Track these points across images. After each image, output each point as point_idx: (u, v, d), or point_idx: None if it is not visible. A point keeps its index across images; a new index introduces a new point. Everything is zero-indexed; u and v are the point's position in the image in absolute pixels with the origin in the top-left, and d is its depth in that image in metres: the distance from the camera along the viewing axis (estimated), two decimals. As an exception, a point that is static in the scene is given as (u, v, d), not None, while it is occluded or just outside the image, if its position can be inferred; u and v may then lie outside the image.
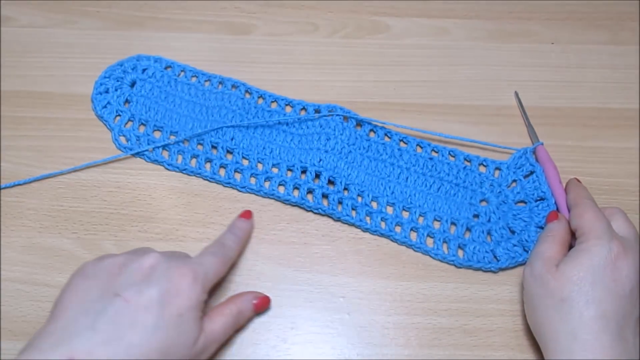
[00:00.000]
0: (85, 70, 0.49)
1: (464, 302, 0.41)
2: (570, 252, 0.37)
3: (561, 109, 0.49)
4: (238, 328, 0.38)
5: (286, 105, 0.48)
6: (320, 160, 0.44)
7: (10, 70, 0.49)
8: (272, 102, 0.48)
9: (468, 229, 0.43)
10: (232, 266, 0.40)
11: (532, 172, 0.44)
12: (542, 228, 0.42)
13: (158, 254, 0.35)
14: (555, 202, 0.42)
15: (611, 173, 0.46)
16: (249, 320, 0.39)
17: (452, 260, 0.42)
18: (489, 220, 0.43)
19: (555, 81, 0.50)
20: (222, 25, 0.53)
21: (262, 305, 0.39)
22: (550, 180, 0.43)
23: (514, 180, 0.45)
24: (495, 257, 0.42)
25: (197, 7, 0.53)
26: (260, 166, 0.45)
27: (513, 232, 0.43)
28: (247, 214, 0.42)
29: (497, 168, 0.45)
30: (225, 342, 0.38)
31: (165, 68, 0.49)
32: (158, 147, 0.45)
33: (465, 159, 0.46)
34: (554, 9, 0.54)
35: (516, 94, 0.49)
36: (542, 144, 0.45)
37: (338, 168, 0.44)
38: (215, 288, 0.39)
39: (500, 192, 0.44)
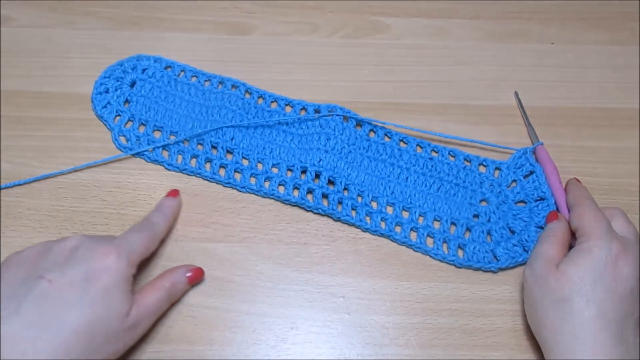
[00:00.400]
0: (85, 70, 0.49)
1: (464, 302, 0.41)
2: (571, 252, 0.37)
3: (561, 109, 0.49)
4: (173, 301, 0.39)
5: (286, 105, 0.48)
6: (320, 160, 0.44)
7: (10, 70, 0.49)
8: (272, 102, 0.48)
9: (468, 229, 0.43)
10: (162, 242, 0.41)
11: (532, 172, 0.44)
12: (542, 228, 0.42)
13: (80, 235, 0.36)
14: (555, 202, 0.42)
15: (611, 173, 0.46)
16: (183, 292, 0.40)
17: (452, 260, 0.42)
18: (489, 220, 0.43)
19: (555, 81, 0.50)
20: (222, 25, 0.53)
21: (196, 278, 0.40)
22: (550, 180, 0.43)
23: (514, 180, 0.45)
24: (495, 257, 0.42)
25: (197, 7, 0.53)
26: (260, 166, 0.45)
27: (513, 232, 0.42)
28: (173, 193, 0.43)
29: (497, 168, 0.45)
30: (224, 342, 0.39)
31: (165, 68, 0.49)
32: (158, 147, 0.45)
33: (465, 159, 0.46)
34: (554, 9, 0.54)
35: (516, 94, 0.49)
36: (541, 143, 0.45)
37: (338, 168, 0.44)
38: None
39: (500, 192, 0.44)
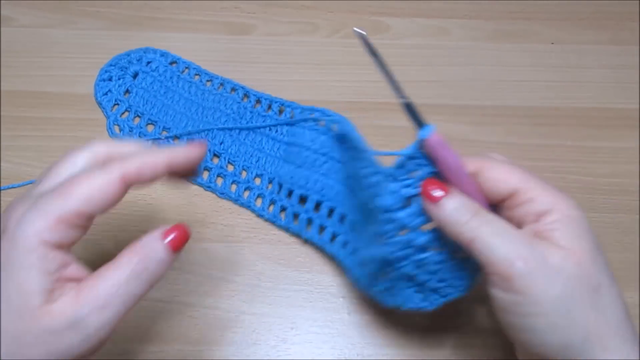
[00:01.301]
0: (85, 70, 0.49)
1: (463, 302, 0.41)
2: (563, 227, 0.28)
3: (561, 109, 0.49)
4: (152, 281, 0.26)
5: (280, 107, 0.47)
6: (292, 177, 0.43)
7: (10, 70, 0.49)
8: (268, 106, 0.47)
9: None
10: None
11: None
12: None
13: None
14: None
15: (611, 173, 0.46)
16: (166, 266, 0.27)
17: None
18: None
19: (555, 81, 0.50)
20: (222, 25, 0.53)
21: (180, 241, 0.27)
22: (451, 176, 0.30)
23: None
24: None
25: (197, 7, 0.54)
26: (244, 174, 0.45)
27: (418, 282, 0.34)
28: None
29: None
30: (224, 342, 0.38)
31: (170, 63, 0.49)
32: (148, 141, 0.45)
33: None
34: (554, 9, 0.54)
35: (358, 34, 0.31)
36: (431, 130, 0.30)
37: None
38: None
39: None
